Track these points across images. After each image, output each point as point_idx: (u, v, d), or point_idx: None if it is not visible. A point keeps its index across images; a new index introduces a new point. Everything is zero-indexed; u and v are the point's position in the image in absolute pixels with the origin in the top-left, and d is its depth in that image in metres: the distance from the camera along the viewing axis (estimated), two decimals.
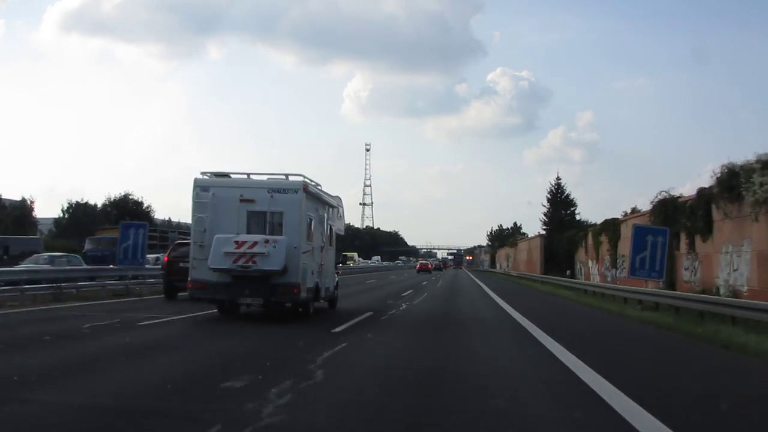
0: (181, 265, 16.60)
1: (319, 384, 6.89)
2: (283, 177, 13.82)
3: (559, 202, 69.00)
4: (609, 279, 33.19)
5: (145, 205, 59.62)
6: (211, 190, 13.26)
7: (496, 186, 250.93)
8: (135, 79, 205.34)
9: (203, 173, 13.76)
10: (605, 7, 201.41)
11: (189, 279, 13.25)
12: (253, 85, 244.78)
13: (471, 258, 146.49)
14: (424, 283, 38.31)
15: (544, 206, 66.63)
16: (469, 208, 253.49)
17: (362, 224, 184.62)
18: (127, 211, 56.60)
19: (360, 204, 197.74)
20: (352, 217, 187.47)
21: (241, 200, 13.14)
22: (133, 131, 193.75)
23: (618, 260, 31.46)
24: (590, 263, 38.91)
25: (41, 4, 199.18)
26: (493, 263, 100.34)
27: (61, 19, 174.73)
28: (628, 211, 46.08)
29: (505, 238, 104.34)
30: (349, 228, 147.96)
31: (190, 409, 5.75)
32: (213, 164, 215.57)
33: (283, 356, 9.05)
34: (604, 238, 34.82)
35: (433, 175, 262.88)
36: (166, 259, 19.81)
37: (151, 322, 12.65)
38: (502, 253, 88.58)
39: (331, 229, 16.13)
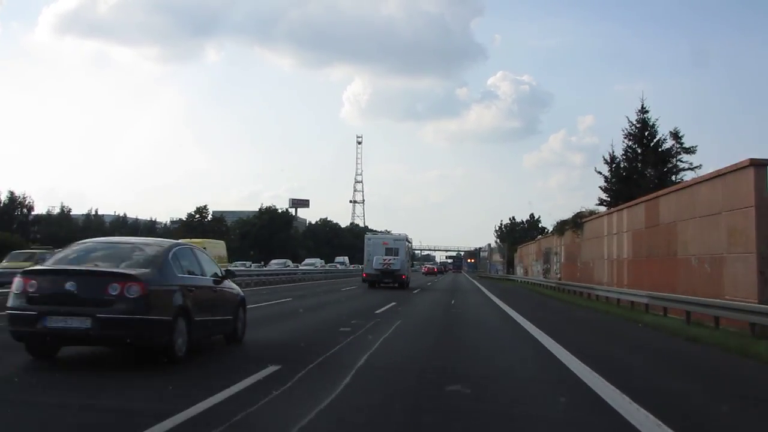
0: (365, 271, 35.20)
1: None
2: (398, 234, 37.09)
3: (649, 151, 35.72)
4: None
5: None
6: (371, 240, 35.20)
7: (495, 190, 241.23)
8: (131, 81, 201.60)
9: (367, 232, 49.61)
10: (605, 12, 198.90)
11: (363, 273, 34.61)
12: (251, 89, 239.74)
13: (473, 261, 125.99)
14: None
15: (601, 173, 36.47)
16: (469, 213, 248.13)
17: (353, 221, 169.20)
18: None
19: (350, 202, 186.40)
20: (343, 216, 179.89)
21: (383, 243, 34.27)
22: (130, 133, 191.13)
23: None
24: None
25: (36, 6, 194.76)
26: (510, 267, 71.92)
27: (57, 21, 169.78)
28: None
29: (518, 233, 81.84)
30: (326, 224, 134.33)
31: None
32: (211, 165, 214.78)
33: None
34: None
35: (432, 179, 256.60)
36: (365, 275, 35.71)
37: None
38: (530, 251, 55.30)
39: (409, 251, 38.72)
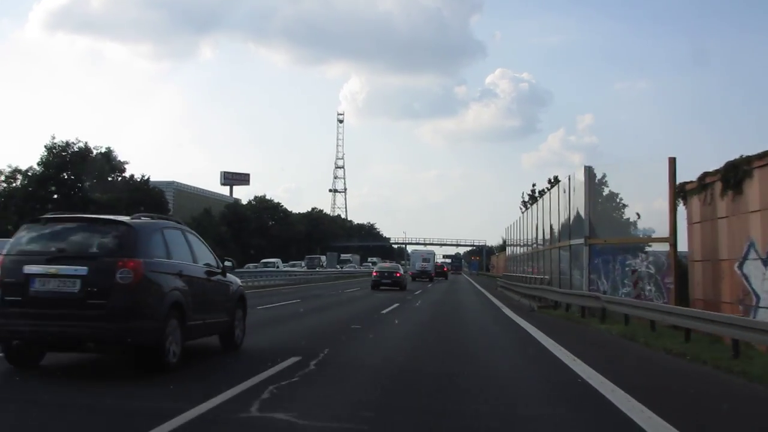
0: (411, 271, 60.52)
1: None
2: (429, 249, 78.77)
3: None
4: None
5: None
6: (415, 253, 70.11)
7: (494, 190, 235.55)
8: (125, 78, 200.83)
9: (412, 249, 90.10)
10: (606, 10, 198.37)
11: (410, 272, 58.61)
12: (247, 86, 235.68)
13: (477, 259, 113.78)
14: None
15: None
16: (468, 213, 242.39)
17: (333, 212, 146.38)
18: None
19: (330, 191, 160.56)
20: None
21: (421, 255, 63.52)
22: (124, 131, 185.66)
23: None
24: None
25: (27, 1, 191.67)
26: None
27: (48, 17, 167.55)
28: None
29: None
30: (263, 204, 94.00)
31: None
32: (207, 163, 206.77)
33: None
34: None
35: (430, 178, 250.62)
36: (411, 273, 56.56)
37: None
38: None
39: (435, 259, 71.75)
